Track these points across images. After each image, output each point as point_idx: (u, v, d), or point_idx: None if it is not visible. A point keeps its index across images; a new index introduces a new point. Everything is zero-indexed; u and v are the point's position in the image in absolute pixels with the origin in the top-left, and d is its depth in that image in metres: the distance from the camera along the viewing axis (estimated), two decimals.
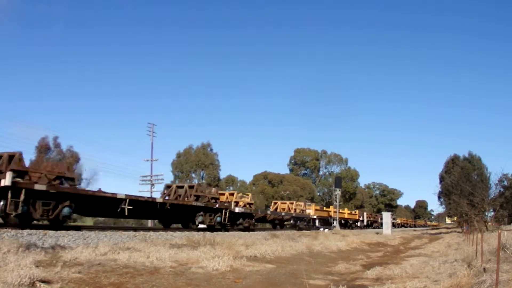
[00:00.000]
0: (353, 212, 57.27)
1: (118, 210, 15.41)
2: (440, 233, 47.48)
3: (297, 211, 34.07)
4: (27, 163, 13.55)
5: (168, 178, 60.75)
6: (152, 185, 46.92)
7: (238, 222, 23.42)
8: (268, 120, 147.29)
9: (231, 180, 72.56)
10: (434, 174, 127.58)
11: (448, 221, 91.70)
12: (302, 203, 38.29)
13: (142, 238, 13.00)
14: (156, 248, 10.34)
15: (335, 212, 41.40)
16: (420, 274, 9.79)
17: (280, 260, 12.19)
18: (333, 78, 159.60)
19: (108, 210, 15.75)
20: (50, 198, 12.71)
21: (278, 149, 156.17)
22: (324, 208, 48.26)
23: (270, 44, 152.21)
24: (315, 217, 40.47)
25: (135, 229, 17.23)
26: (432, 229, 76.88)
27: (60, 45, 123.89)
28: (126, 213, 15.47)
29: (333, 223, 39.70)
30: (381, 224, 58.09)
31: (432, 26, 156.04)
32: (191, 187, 20.32)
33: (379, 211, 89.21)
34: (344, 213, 50.87)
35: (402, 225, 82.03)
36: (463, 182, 36.15)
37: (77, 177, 15.44)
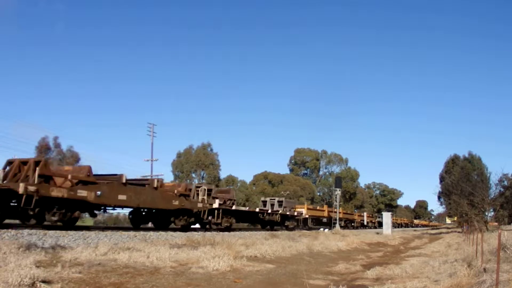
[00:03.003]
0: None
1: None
2: (440, 233, 47.48)
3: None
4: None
5: (169, 178, 60.77)
6: None
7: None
8: (268, 120, 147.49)
9: (231, 180, 72.56)
10: (434, 174, 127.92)
11: (448, 221, 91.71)
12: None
13: (142, 238, 13.00)
14: (156, 248, 10.33)
15: None
16: (420, 274, 9.79)
17: (280, 260, 12.19)
18: (333, 78, 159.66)
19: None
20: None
21: (278, 149, 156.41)
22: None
23: (270, 44, 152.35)
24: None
25: (136, 229, 17.22)
26: (432, 229, 76.86)
27: (60, 45, 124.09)
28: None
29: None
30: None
31: (432, 26, 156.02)
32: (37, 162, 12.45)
33: (379, 211, 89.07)
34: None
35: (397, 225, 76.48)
36: (463, 182, 36.19)
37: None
